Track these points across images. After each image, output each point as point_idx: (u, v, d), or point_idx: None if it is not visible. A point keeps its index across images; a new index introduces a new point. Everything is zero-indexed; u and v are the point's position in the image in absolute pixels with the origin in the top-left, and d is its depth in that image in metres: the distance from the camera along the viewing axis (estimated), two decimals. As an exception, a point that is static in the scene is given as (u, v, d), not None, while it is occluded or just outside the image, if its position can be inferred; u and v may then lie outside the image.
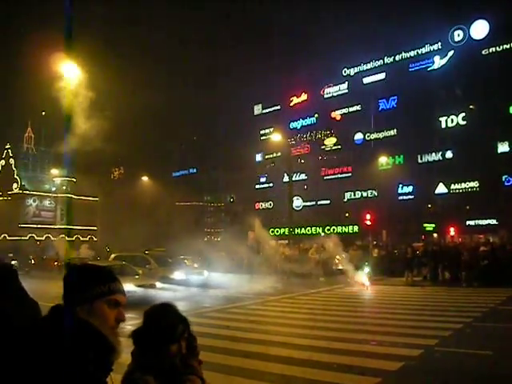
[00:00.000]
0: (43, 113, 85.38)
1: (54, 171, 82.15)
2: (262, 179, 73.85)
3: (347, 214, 60.23)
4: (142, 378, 2.59)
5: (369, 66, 62.85)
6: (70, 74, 21.23)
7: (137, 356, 2.78)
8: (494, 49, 51.43)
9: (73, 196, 78.60)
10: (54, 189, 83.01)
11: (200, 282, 24.08)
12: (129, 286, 19.70)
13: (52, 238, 70.65)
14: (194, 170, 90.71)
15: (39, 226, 77.37)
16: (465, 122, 52.92)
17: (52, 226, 77.18)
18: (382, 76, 61.19)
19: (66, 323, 1.92)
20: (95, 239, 72.39)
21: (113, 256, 28.15)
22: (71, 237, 68.59)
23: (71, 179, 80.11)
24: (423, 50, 57.49)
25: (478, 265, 26.23)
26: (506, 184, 49.64)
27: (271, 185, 71.21)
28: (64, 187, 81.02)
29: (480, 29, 52.72)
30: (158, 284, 20.74)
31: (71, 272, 2.29)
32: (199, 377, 2.92)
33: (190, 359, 2.94)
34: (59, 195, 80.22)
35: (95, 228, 76.13)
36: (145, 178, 69.42)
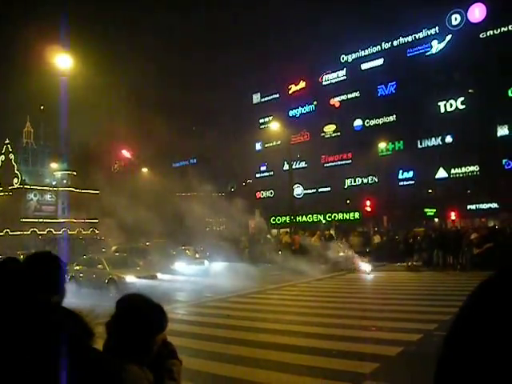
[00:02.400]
0: (42, 107, 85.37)
1: (54, 165, 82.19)
2: (263, 168, 73.82)
3: (348, 201, 60.17)
4: (126, 366, 2.56)
5: (367, 51, 62.61)
6: (66, 66, 21.24)
7: (111, 346, 2.75)
8: (491, 32, 51.14)
9: (73, 189, 78.78)
10: (54, 183, 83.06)
11: (201, 271, 24.13)
12: (130, 278, 19.81)
13: (54, 232, 70.81)
14: (194, 161, 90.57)
15: (41, 220, 77.45)
16: (464, 106, 52.75)
17: (54, 220, 77.29)
18: (380, 62, 60.97)
19: None
20: (97, 232, 72.34)
21: (114, 248, 28.25)
22: (73, 230, 68.82)
23: (71, 172, 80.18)
24: (421, 35, 57.23)
25: (473, 250, 26.20)
26: (507, 167, 49.54)
27: (271, 173, 71.17)
28: (64, 181, 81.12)
29: (477, 12, 52.42)
30: (159, 275, 20.80)
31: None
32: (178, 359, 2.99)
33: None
34: (60, 189, 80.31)
35: (97, 221, 76.15)
36: (145, 170, 69.37)
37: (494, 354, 0.78)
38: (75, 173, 79.15)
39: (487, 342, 0.80)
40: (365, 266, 27.91)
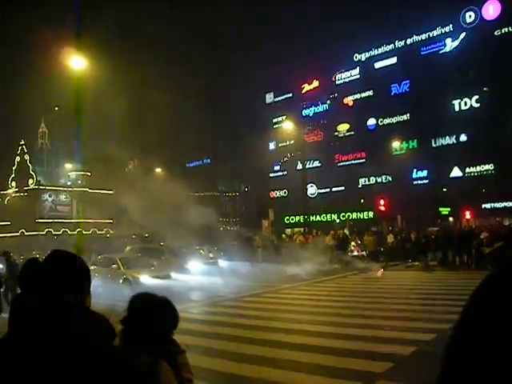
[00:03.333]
0: (56, 108, 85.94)
1: (69, 165, 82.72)
2: (276, 167, 73.89)
3: (362, 200, 60.10)
4: (156, 361, 2.63)
5: (380, 50, 62.50)
6: (80, 68, 21.37)
7: (132, 342, 2.83)
8: (506, 29, 50.90)
9: (88, 190, 79.12)
10: (69, 183, 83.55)
11: (215, 271, 24.18)
12: (144, 278, 19.91)
13: (69, 232, 71.18)
14: (208, 161, 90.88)
15: (56, 220, 77.89)
16: (478, 105, 52.52)
17: (69, 221, 77.69)
18: (393, 60, 60.83)
19: None
20: (111, 232, 72.63)
21: (128, 248, 28.35)
22: (88, 230, 69.23)
23: (86, 173, 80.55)
24: (434, 33, 57.04)
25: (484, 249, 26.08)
26: (522, 166, 49.26)
27: (285, 173, 71.21)
28: (79, 181, 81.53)
29: (492, 9, 52.16)
30: (173, 274, 20.87)
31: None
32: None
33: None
34: (75, 189, 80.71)
35: (111, 221, 76.40)
36: (158, 170, 69.56)
37: (496, 352, 0.76)
38: (89, 173, 79.50)
39: (489, 339, 0.79)
40: (378, 266, 27.85)
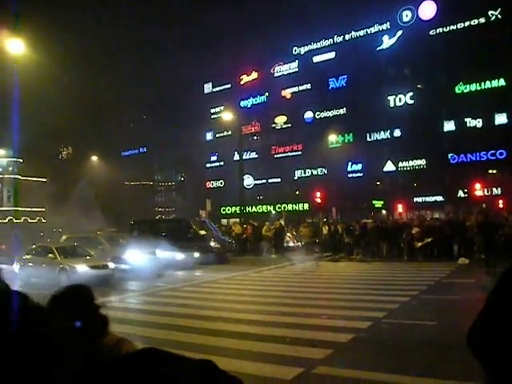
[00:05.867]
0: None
1: (0, 152, 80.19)
2: (213, 158, 73.69)
3: (297, 192, 60.76)
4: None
5: (319, 44, 63.02)
6: (15, 50, 20.74)
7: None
8: (441, 29, 52.24)
9: (19, 177, 76.97)
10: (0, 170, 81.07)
11: (152, 261, 24.02)
12: (82, 267, 19.67)
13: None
14: (144, 149, 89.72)
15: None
16: (412, 101, 53.80)
17: (-1, 208, 75.50)
18: (332, 55, 61.48)
19: None
20: (44, 221, 71.02)
21: (64, 237, 27.86)
22: (19, 218, 67.44)
23: (18, 160, 78.33)
24: (372, 30, 57.94)
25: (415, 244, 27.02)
26: (452, 162, 50.84)
27: (222, 163, 71.12)
28: (10, 168, 79.18)
29: (428, 10, 53.41)
30: (111, 264, 20.69)
31: None
32: None
33: None
34: (5, 176, 78.37)
35: (44, 209, 74.65)
36: (94, 158, 68.36)
37: None
38: (21, 160, 77.37)
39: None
40: (314, 257, 28.34)
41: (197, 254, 27.47)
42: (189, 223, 32.03)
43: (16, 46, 20.19)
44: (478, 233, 25.27)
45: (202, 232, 30.56)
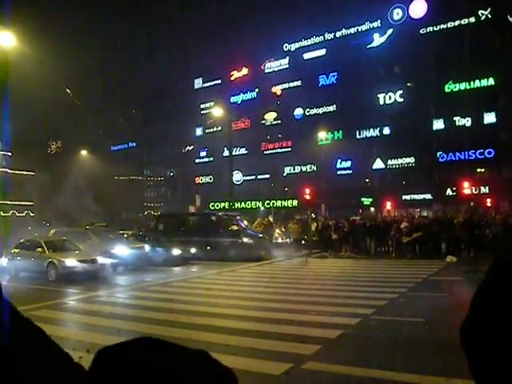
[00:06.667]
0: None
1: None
2: (203, 153, 73.64)
3: (286, 189, 60.89)
4: None
5: (309, 41, 63.08)
6: (4, 43, 20.61)
7: None
8: (431, 28, 52.39)
9: (8, 170, 76.41)
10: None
11: (141, 256, 24.01)
12: (70, 261, 19.62)
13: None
14: (134, 144, 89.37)
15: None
16: (402, 100, 53.98)
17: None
18: (322, 52, 61.53)
19: None
20: (32, 214, 70.56)
21: (53, 231, 27.75)
22: (7, 212, 66.97)
23: (6, 153, 77.75)
24: (363, 28, 58.03)
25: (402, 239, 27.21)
26: (441, 160, 51.10)
27: (211, 159, 71.09)
28: (-2, 161, 78.58)
29: (418, 8, 53.56)
30: (100, 259, 20.66)
31: None
32: None
33: None
34: (-7, 169, 77.78)
35: (32, 203, 74.17)
36: (83, 152, 68.00)
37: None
38: (10, 153, 76.80)
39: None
40: (303, 253, 28.44)
41: (193, 250, 27.25)
42: (218, 217, 31.35)
43: (6, 40, 20.08)
44: (463, 230, 25.54)
45: (234, 227, 29.49)
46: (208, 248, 27.61)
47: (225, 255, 26.62)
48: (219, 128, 62.89)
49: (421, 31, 52.56)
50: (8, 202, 69.77)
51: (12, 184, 68.69)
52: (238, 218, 31.59)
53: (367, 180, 57.33)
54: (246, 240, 28.27)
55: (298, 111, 62.96)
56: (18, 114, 51.08)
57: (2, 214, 64.44)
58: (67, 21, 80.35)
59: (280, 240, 34.76)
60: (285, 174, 63.41)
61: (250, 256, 26.58)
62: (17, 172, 73.44)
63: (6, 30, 19.91)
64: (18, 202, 71.08)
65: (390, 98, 54.95)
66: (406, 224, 27.94)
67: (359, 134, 57.02)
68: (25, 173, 73.12)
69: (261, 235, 30.49)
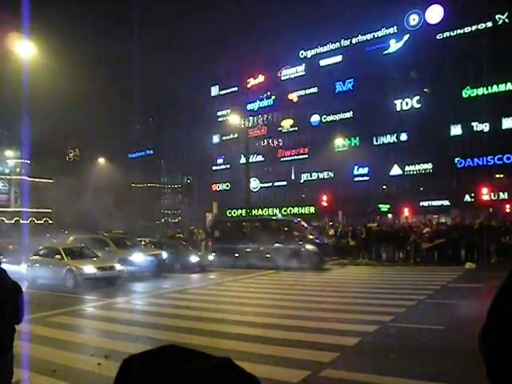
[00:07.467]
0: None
1: (8, 153, 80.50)
2: (219, 160, 73.87)
3: (304, 195, 60.86)
4: None
5: (326, 48, 63.15)
6: (24, 52, 20.81)
7: None
8: (448, 33, 52.23)
9: (27, 178, 77.25)
10: (7, 171, 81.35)
11: (158, 263, 24.06)
12: (88, 268, 19.70)
13: (6, 221, 69.43)
14: (151, 152, 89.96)
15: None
16: (419, 105, 53.81)
17: (6, 209, 75.73)
18: (338, 58, 61.57)
19: None
20: (50, 222, 71.28)
21: (71, 238, 27.87)
22: (26, 220, 67.67)
23: (25, 161, 78.65)
24: (379, 34, 57.99)
25: (422, 245, 26.98)
26: (459, 166, 50.83)
27: (228, 166, 71.29)
28: (18, 169, 79.50)
29: (435, 14, 53.43)
30: (117, 266, 20.73)
31: None
32: None
33: None
34: (13, 177, 78.68)
35: (50, 210, 74.89)
36: (101, 160, 68.52)
37: None
38: (29, 161, 77.65)
39: None
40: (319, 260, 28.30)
41: (211, 257, 27.20)
42: (279, 223, 29.78)
43: (26, 49, 20.28)
44: (482, 236, 25.29)
45: (296, 233, 27.46)
46: (268, 256, 26.38)
47: (287, 264, 25.07)
48: (236, 135, 63.07)
49: (437, 36, 52.41)
50: (27, 210, 70.52)
51: (31, 192, 69.43)
52: (298, 220, 29.89)
53: (384, 186, 57.10)
54: (309, 247, 26.34)
55: (315, 118, 62.99)
56: (37, 123, 51.64)
57: (21, 221, 65.10)
58: (87, 31, 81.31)
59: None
60: (302, 181, 63.37)
61: (311, 265, 25.32)
62: (36, 180, 74.23)
63: (25, 38, 20.12)
64: (36, 210, 71.81)
65: (406, 103, 54.79)
66: (428, 229, 27.77)
67: (376, 141, 56.90)
68: (43, 180, 73.85)
69: (326, 241, 29.10)
